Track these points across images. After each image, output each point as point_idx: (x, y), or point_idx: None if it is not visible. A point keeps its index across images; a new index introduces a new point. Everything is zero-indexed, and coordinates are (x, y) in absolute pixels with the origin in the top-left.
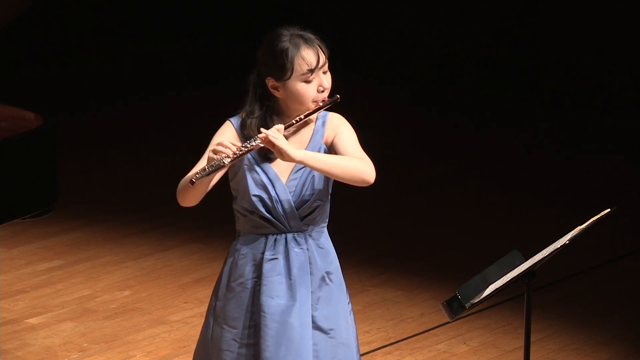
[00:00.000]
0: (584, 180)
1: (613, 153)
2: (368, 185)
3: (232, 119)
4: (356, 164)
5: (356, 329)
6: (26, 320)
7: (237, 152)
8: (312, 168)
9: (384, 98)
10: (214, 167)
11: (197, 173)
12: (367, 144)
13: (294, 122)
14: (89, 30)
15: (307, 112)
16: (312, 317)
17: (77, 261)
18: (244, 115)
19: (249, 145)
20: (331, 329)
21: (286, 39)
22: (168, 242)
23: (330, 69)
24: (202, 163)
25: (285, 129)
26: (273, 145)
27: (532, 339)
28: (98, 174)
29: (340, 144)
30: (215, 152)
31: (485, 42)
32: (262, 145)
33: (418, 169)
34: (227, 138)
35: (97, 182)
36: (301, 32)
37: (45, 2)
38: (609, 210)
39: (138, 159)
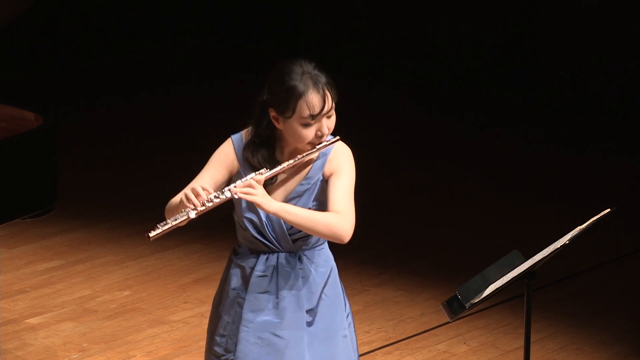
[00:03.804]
0: (584, 181)
1: (613, 153)
2: (342, 243)
3: (234, 137)
4: (331, 223)
5: (356, 337)
6: (26, 320)
7: (207, 204)
8: (285, 221)
9: (383, 98)
10: (177, 221)
11: (157, 226)
12: (367, 144)
13: (280, 169)
14: (88, 29)
15: (297, 158)
16: (310, 333)
17: (77, 261)
18: (248, 136)
19: (221, 197)
20: (330, 343)
21: (297, 77)
22: (168, 242)
23: (335, 80)
24: (201, 177)
25: (265, 177)
26: (246, 199)
27: (532, 339)
28: (98, 174)
29: (330, 189)
30: (186, 197)
31: (485, 42)
32: (236, 197)
33: (418, 169)
34: (225, 162)
35: (97, 182)
36: (314, 73)
37: (45, 2)
38: (609, 210)
39: (138, 159)
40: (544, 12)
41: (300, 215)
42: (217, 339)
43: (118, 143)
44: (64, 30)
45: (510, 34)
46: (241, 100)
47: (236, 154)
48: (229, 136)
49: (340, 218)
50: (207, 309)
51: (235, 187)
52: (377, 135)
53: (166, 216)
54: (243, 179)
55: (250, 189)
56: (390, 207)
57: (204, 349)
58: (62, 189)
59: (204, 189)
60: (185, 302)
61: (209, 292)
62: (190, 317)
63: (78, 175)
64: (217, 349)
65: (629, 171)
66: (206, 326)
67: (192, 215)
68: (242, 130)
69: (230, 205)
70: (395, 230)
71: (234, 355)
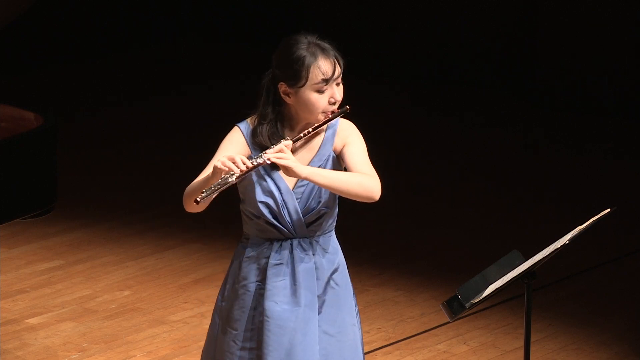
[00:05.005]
0: (584, 181)
1: (613, 153)
2: (373, 202)
3: (240, 125)
4: (362, 181)
5: (361, 329)
6: (26, 320)
7: (244, 169)
8: (318, 184)
9: (383, 98)
10: (219, 186)
11: (202, 192)
12: (367, 144)
13: (302, 135)
14: (89, 30)
15: (316, 125)
16: (319, 320)
17: (77, 261)
18: (255, 120)
19: (255, 162)
20: (338, 332)
21: (304, 46)
22: (168, 242)
23: (343, 80)
24: (209, 169)
25: (293, 142)
26: (279, 163)
27: (532, 339)
28: (98, 174)
29: (348, 156)
30: (223, 164)
31: (485, 42)
32: (269, 162)
33: (418, 169)
34: (236, 147)
35: (97, 182)
36: (319, 42)
37: (45, 2)
38: (609, 210)
39: (138, 159)
40: (544, 12)
41: (332, 177)
42: (247, 334)
43: (118, 143)
44: (64, 30)
45: (510, 34)
46: (241, 101)
47: (246, 140)
48: (233, 127)
49: (369, 177)
50: (207, 309)
51: (266, 153)
52: (377, 136)
53: (187, 200)
54: (272, 146)
55: (282, 153)
56: (390, 207)
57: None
58: (62, 189)
59: (241, 159)
60: (185, 302)
61: (209, 292)
62: (190, 317)
63: (78, 175)
64: (248, 344)
65: (629, 171)
66: (206, 326)
67: (233, 179)
68: (246, 118)
69: (233, 201)
70: (395, 230)
71: (262, 346)
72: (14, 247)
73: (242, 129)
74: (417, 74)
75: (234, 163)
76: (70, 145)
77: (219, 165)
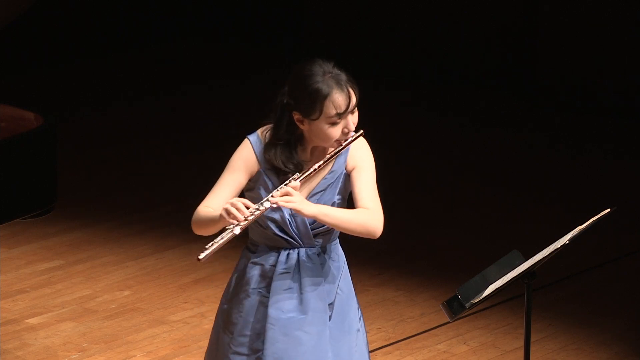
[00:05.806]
0: (584, 180)
1: (613, 153)
2: (374, 238)
3: (250, 138)
4: (366, 221)
5: (366, 333)
6: (26, 320)
7: (249, 218)
8: (323, 223)
9: (383, 98)
10: (224, 239)
11: (206, 247)
12: (367, 143)
13: (312, 170)
14: (89, 30)
15: (326, 158)
16: (330, 327)
17: (77, 261)
18: (267, 134)
19: (261, 208)
20: (343, 337)
21: (319, 79)
22: (168, 242)
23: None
24: (219, 188)
25: (301, 180)
26: (286, 206)
27: (532, 339)
28: (98, 174)
29: (357, 184)
30: (227, 212)
31: (485, 42)
32: (274, 206)
33: (418, 169)
34: (246, 165)
35: (97, 182)
36: (335, 72)
37: (45, 2)
38: (609, 210)
39: (138, 159)
40: (545, 12)
41: (337, 216)
42: (240, 339)
43: (118, 143)
44: (64, 30)
45: (510, 34)
46: (241, 101)
47: (256, 155)
48: (244, 137)
49: (372, 214)
50: (207, 309)
51: (272, 197)
52: (377, 135)
53: (195, 227)
54: (279, 187)
55: (289, 196)
56: (391, 207)
57: (203, 349)
58: (62, 189)
59: (245, 204)
60: (185, 302)
61: (209, 292)
62: (190, 317)
63: (78, 175)
64: (240, 349)
65: (629, 171)
66: (206, 326)
67: (237, 231)
68: (257, 130)
69: None
70: (396, 230)
71: (262, 354)
72: (14, 247)
73: (252, 143)
74: (417, 74)
75: (237, 210)
76: (70, 145)
77: (224, 214)
